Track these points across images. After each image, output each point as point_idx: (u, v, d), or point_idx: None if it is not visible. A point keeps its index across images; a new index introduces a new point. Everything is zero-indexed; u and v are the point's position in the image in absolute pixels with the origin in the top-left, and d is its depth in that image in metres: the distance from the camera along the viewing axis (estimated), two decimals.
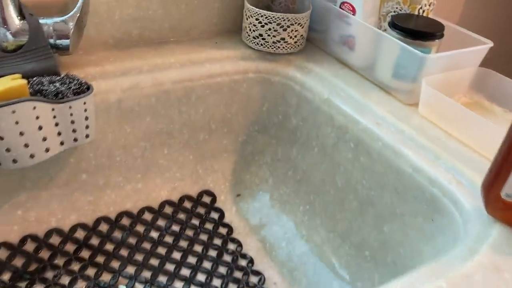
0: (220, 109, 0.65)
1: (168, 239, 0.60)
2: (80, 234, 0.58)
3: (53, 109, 0.48)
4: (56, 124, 0.49)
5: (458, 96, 0.58)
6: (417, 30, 0.54)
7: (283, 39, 0.64)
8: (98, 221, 0.59)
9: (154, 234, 0.60)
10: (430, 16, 0.61)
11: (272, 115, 0.67)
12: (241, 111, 0.67)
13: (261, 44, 0.64)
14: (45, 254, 0.55)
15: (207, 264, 0.58)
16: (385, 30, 0.60)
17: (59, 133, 0.50)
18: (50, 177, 0.56)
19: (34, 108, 0.47)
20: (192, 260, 0.58)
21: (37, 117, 0.47)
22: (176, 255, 0.58)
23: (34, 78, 0.48)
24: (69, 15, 0.51)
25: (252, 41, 0.65)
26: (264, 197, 0.67)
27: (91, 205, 0.60)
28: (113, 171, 0.60)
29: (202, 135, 0.66)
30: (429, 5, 0.59)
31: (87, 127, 0.52)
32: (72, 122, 0.50)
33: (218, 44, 0.67)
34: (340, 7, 0.63)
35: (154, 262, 0.57)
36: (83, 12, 0.53)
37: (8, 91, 0.46)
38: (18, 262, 0.54)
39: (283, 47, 0.64)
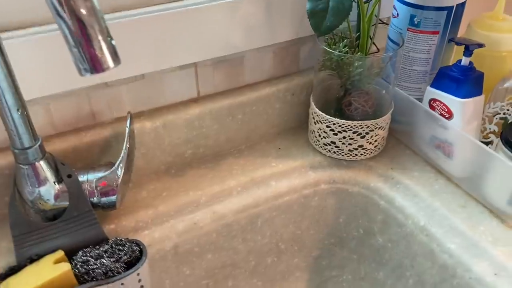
0: (289, 228, 0.56)
1: None
2: None
3: None
4: None
5: None
6: None
7: (361, 146, 0.53)
8: None
9: None
10: None
11: (350, 227, 0.57)
12: (313, 226, 0.57)
13: (334, 152, 0.54)
14: None
15: None
16: (489, 143, 0.48)
17: None
18: None
19: None
20: None
21: None
22: None
23: (78, 255, 0.41)
24: (112, 169, 0.43)
25: (322, 147, 0.55)
26: None
27: None
28: None
29: (270, 259, 0.56)
30: None
31: None
32: None
33: (282, 151, 0.57)
34: (429, 104, 0.51)
35: None
36: (130, 160, 0.45)
37: (51, 283, 0.39)
38: None
39: (361, 154, 0.54)
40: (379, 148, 0.55)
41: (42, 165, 0.41)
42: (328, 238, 0.59)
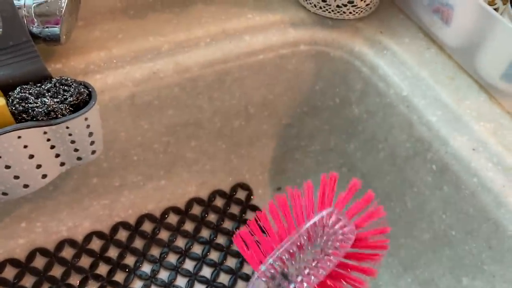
0: (260, 91, 0.51)
1: (197, 248, 0.51)
2: (96, 244, 0.50)
3: (45, 132, 0.36)
4: (52, 147, 0.38)
5: None
6: None
7: (351, 2, 0.46)
8: (115, 227, 0.51)
9: (181, 242, 0.52)
10: None
11: (326, 96, 0.53)
12: (286, 92, 0.53)
13: (320, 7, 0.48)
14: (57, 271, 0.48)
15: (241, 286, 0.50)
16: (496, 9, 0.43)
17: (57, 155, 0.39)
18: (54, 186, 0.46)
19: (19, 137, 0.35)
20: (224, 278, 0.50)
21: (25, 146, 0.36)
22: (206, 272, 0.50)
23: (16, 91, 0.36)
24: None
25: (307, 1, 0.48)
26: None
27: (106, 209, 0.51)
28: (130, 170, 0.50)
29: (238, 122, 0.53)
30: None
31: (92, 143, 0.40)
32: (72, 142, 0.38)
33: (261, 1, 0.50)
34: None
35: (182, 281, 0.49)
36: None
37: None
38: (27, 281, 0.47)
39: (350, 12, 0.47)
40: (370, 8, 0.48)
41: None
42: (301, 106, 0.55)
